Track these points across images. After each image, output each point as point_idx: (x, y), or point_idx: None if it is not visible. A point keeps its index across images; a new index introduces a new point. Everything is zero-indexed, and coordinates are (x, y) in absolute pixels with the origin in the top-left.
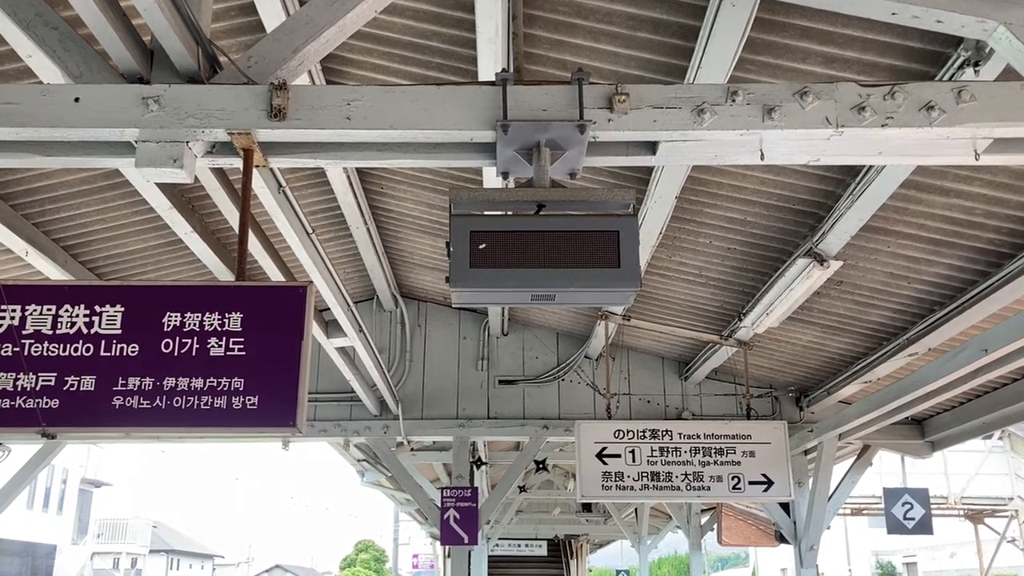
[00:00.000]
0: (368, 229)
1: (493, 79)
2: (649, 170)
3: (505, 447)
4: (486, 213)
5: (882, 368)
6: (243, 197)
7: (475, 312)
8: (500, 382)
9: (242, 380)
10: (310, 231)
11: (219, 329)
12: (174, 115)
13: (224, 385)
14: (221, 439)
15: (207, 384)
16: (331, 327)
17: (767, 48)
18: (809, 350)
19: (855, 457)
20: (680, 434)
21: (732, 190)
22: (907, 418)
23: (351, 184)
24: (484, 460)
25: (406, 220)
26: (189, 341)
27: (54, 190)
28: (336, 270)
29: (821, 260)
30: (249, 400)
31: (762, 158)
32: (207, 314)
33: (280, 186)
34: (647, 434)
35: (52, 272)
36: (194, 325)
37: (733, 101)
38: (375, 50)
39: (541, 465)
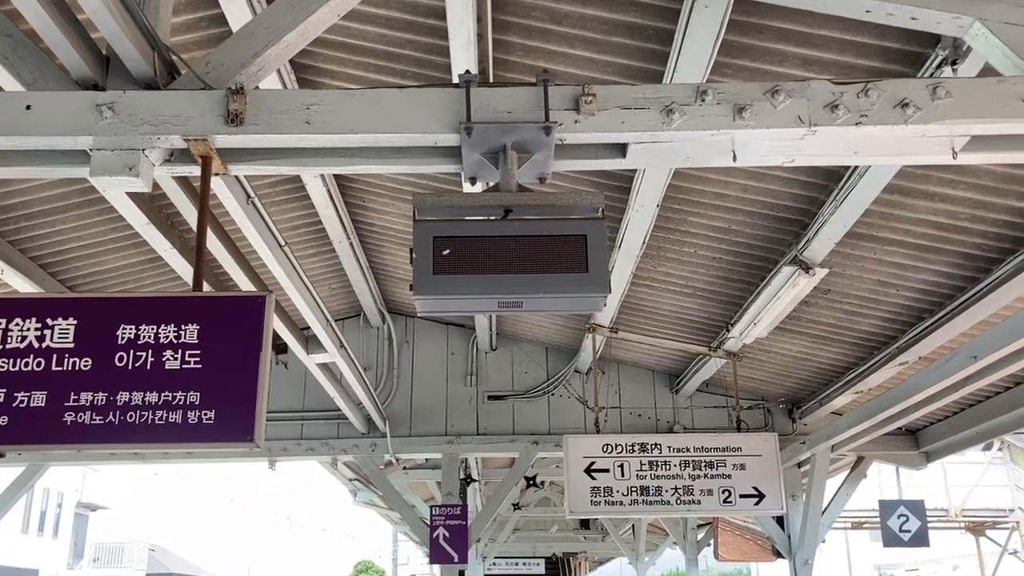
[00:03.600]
0: (351, 243)
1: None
2: (630, 178)
3: (500, 464)
4: (451, 218)
5: (873, 378)
6: (201, 204)
7: (463, 327)
8: (489, 398)
9: (198, 394)
10: (283, 243)
11: (175, 341)
12: (128, 122)
13: (179, 399)
14: (184, 458)
15: (162, 398)
16: (311, 343)
17: (743, 51)
18: (799, 360)
19: (849, 469)
20: (669, 447)
21: (715, 198)
22: (901, 429)
23: (331, 197)
24: (475, 477)
25: (390, 234)
26: (144, 354)
27: (28, 207)
28: (320, 286)
29: (807, 268)
30: (205, 414)
31: (735, 159)
32: (163, 326)
33: (248, 196)
34: (635, 448)
35: (29, 291)
36: (149, 338)
37: (703, 101)
38: (349, 60)
39: (532, 482)
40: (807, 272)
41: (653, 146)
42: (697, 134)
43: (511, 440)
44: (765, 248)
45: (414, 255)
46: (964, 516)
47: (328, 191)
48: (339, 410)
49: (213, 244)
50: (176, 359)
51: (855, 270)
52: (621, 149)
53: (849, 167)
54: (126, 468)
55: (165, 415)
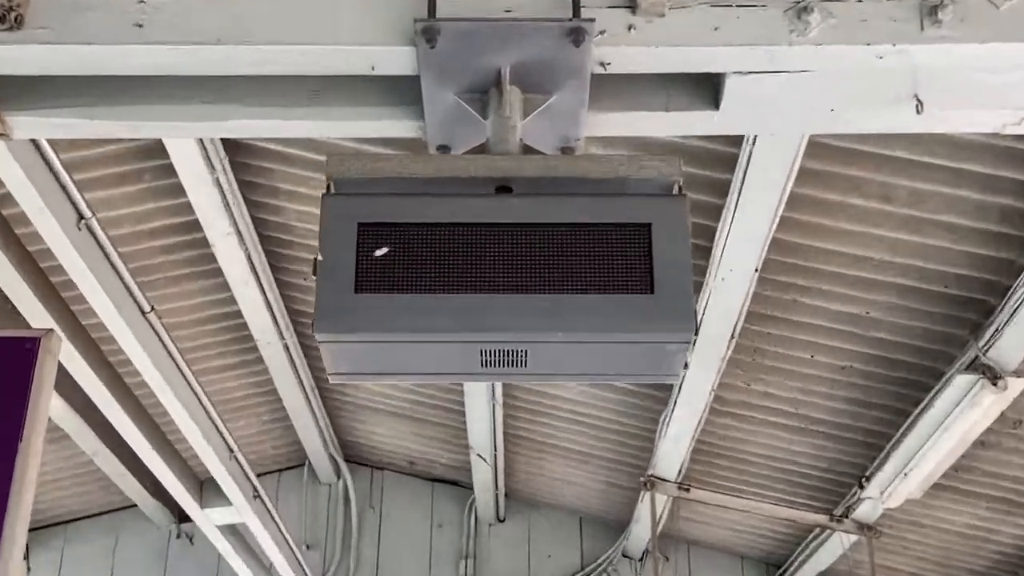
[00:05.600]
0: (286, 345)
1: None
2: (713, 232)
3: None
4: (394, 192)
5: None
6: None
7: (456, 485)
8: None
9: None
10: (147, 308)
11: None
12: None
13: None
14: None
15: None
16: (207, 488)
17: None
18: (968, 539)
19: None
20: None
21: (846, 264)
22: None
23: (251, 264)
24: None
25: None
26: None
27: None
28: (242, 419)
29: (994, 377)
30: None
31: (920, 110)
32: None
33: (81, 217)
34: None
35: None
36: None
37: None
38: None
39: None
40: (994, 384)
41: (769, 79)
42: (852, 52)
43: None
44: (924, 350)
45: (319, 259)
46: None
47: (246, 253)
48: None
49: (24, 300)
50: None
51: None
52: (711, 91)
53: None
54: None
55: None
